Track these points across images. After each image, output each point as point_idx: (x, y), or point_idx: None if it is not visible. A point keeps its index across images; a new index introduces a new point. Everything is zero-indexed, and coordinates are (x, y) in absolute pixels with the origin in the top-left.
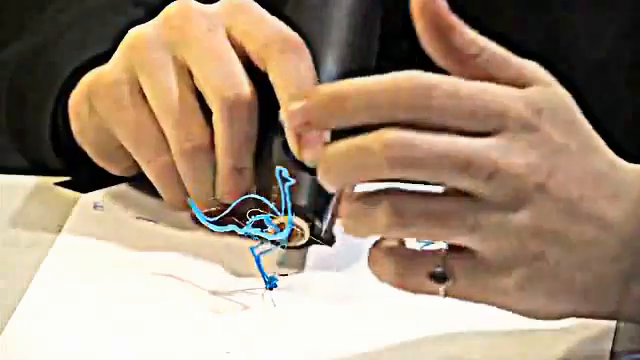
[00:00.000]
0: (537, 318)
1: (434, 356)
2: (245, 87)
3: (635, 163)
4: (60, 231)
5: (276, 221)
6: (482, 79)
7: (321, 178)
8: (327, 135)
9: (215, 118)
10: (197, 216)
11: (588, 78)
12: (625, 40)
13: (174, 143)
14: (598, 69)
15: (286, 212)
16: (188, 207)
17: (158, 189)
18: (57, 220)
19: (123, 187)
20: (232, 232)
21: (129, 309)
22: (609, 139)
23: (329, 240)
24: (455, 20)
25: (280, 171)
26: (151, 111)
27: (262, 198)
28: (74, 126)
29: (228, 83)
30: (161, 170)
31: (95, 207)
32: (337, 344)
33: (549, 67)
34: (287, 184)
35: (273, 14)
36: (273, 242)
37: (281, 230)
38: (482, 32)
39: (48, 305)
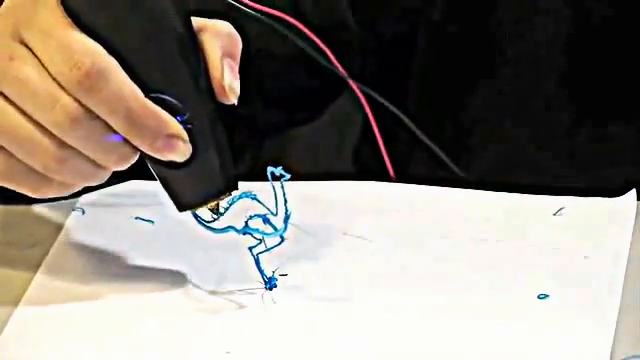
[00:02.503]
0: None
1: (433, 355)
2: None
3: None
4: (60, 231)
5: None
6: None
7: None
8: None
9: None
10: (195, 219)
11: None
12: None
13: (50, 124)
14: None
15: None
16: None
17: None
18: (57, 220)
19: (122, 187)
20: (231, 232)
21: (129, 309)
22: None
23: None
24: None
25: (272, 172)
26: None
27: (259, 199)
28: None
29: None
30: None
31: (94, 206)
32: (336, 344)
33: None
34: (283, 179)
35: None
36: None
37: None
38: None
39: (48, 305)
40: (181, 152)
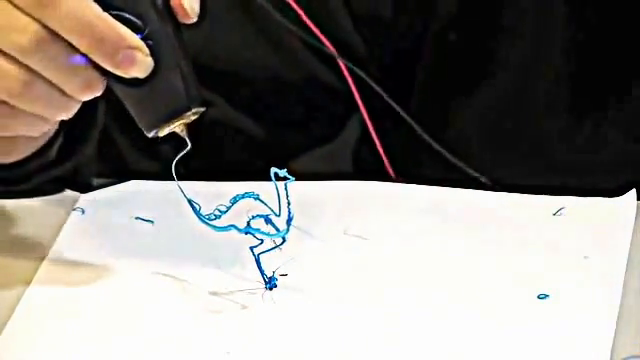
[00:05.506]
0: None
1: (433, 355)
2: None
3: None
4: (60, 231)
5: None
6: None
7: None
8: None
9: None
10: (197, 216)
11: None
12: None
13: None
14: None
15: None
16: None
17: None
18: (57, 220)
19: (122, 187)
20: (232, 232)
21: (129, 309)
22: None
23: None
24: None
25: (275, 173)
26: None
27: (261, 199)
28: None
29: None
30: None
31: (94, 206)
32: (336, 344)
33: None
34: (286, 182)
35: None
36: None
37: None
38: None
39: (48, 305)
40: (142, 65)
